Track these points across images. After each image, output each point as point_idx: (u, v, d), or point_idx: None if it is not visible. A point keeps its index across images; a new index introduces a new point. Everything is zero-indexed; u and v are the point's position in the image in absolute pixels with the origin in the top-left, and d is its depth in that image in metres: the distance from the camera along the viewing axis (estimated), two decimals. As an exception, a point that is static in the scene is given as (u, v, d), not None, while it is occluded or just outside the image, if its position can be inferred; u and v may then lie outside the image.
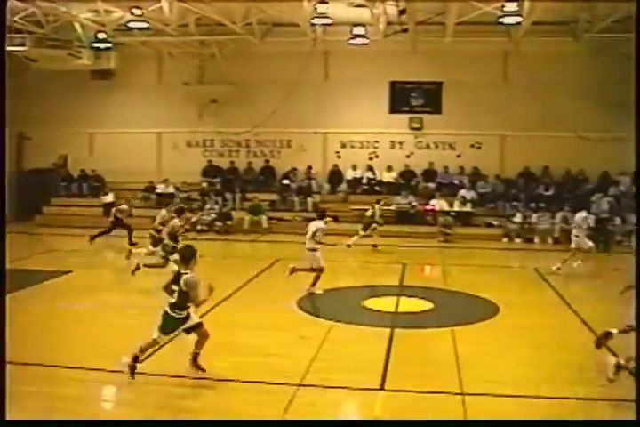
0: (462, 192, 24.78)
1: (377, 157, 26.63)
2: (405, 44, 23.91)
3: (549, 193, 24.95)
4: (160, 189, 26.23)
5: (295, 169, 26.53)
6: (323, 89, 26.10)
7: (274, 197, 25.97)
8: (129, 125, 27.14)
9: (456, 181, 25.76)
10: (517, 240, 23.38)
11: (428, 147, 26.51)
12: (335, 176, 26.55)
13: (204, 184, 26.51)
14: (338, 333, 11.16)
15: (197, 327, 8.83)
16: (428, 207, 24.39)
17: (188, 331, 8.83)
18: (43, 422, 7.01)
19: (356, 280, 16.05)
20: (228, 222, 24.38)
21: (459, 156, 26.36)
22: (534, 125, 24.65)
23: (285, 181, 26.29)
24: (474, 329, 11.78)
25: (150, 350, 8.88)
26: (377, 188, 25.85)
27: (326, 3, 19.60)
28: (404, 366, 9.51)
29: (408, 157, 26.49)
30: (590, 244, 17.73)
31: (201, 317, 9.28)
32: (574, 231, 18.01)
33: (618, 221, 23.25)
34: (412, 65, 25.32)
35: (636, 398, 6.00)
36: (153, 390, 8.43)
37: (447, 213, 23.88)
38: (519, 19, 19.34)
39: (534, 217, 23.60)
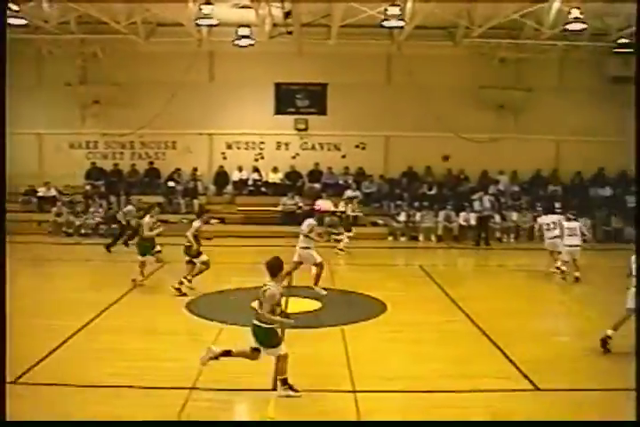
0: (348, 192, 25.08)
1: (263, 158, 26.63)
2: (291, 46, 24.05)
3: (432, 192, 25.63)
4: (41, 192, 25.36)
5: (179, 170, 26.15)
6: (208, 90, 25.88)
7: (159, 199, 25.49)
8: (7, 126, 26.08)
9: (341, 182, 26.07)
10: (402, 239, 23.90)
11: (313, 148, 26.71)
12: (221, 177, 26.38)
13: (88, 187, 25.76)
14: (228, 335, 11.10)
15: None
16: (314, 208, 24.53)
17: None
18: (43, 422, 6.98)
19: (245, 282, 15.99)
20: (114, 226, 23.83)
21: (344, 156, 26.68)
22: (417, 126, 25.23)
23: (171, 183, 25.89)
24: (362, 327, 11.96)
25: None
26: (263, 189, 25.88)
27: (211, 4, 19.45)
28: (295, 366, 9.50)
29: (294, 157, 26.62)
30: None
31: (88, 322, 9.09)
32: (554, 232, 17.46)
33: (497, 218, 24.11)
34: (297, 66, 25.43)
35: (636, 398, 6.09)
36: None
37: (333, 213, 24.09)
38: (401, 23, 19.73)
39: (418, 216, 24.18)
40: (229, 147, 26.72)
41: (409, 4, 19.43)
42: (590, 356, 10.49)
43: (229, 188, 26.16)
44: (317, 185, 25.98)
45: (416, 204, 24.76)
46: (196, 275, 14.41)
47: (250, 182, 26.09)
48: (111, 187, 25.91)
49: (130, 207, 21.40)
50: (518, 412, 8.12)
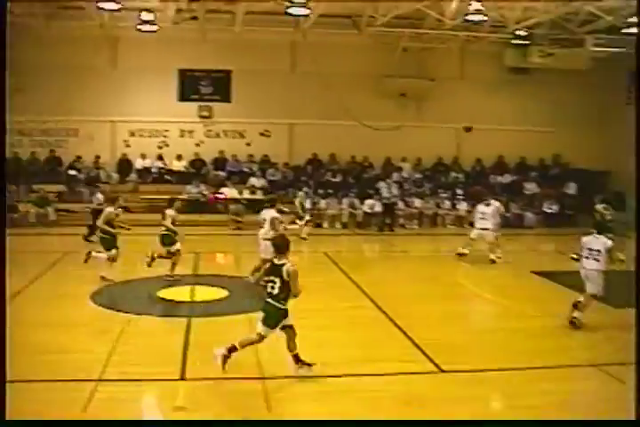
0: (252, 180, 25.06)
1: (167, 145, 26.31)
2: (195, 32, 23.82)
3: (336, 179, 25.84)
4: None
5: (79, 157, 25.47)
6: (111, 76, 25.32)
7: (61, 187, 24.88)
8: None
9: (246, 169, 26.01)
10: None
11: (217, 135, 26.54)
12: (124, 166, 25.89)
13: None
14: (135, 325, 11.00)
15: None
16: (218, 196, 24.45)
17: (283, 327, 8.67)
18: (43, 422, 6.82)
19: (150, 271, 15.81)
20: (15, 215, 23.15)
21: (248, 144, 26.63)
22: (321, 114, 25.39)
23: (72, 172, 25.19)
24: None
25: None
26: (167, 177, 25.58)
27: (112, -13, 19.10)
28: (204, 354, 9.51)
29: (198, 145, 26.40)
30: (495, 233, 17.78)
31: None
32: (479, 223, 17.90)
33: (401, 205, 24.55)
34: (201, 53, 25.15)
35: (635, 398, 6.20)
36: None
37: (238, 200, 24.06)
38: (306, 10, 19.77)
39: (323, 203, 24.36)
40: (132, 134, 26.26)
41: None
42: (493, 337, 10.88)
43: (133, 176, 25.73)
44: (222, 173, 25.84)
45: (321, 191, 24.92)
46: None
47: (154, 170, 25.74)
48: (10, 176, 25.03)
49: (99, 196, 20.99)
50: (423, 393, 8.36)
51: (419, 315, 12.13)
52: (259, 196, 24.66)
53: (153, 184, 25.17)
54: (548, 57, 24.49)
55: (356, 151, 26.58)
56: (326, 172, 26.18)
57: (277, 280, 8.54)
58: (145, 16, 22.42)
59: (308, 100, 25.50)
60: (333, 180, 25.83)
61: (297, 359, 8.87)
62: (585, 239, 11.65)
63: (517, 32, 23.31)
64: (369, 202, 24.02)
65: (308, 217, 22.13)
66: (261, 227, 14.57)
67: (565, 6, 20.15)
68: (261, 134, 26.66)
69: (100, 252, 14.49)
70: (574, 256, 11.93)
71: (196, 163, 26.02)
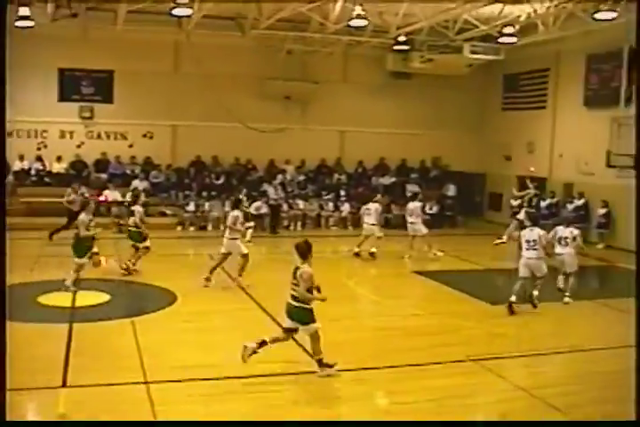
0: (135, 182, 24.69)
1: (46, 146, 25.46)
2: (76, 30, 23.15)
3: (220, 182, 25.76)
4: None
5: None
6: (-16, 73, 24.40)
7: None
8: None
9: (128, 171, 25.59)
10: (191, 228, 23.85)
11: (99, 137, 25.90)
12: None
13: None
14: (13, 332, 10.63)
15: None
16: (100, 198, 23.94)
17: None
18: (43, 422, 6.96)
19: (29, 276, 15.39)
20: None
21: (131, 146, 26.14)
22: (204, 116, 25.23)
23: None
24: (153, 318, 11.94)
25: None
26: (47, 179, 24.81)
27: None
28: (86, 360, 9.40)
29: (79, 146, 25.69)
30: (425, 230, 19.30)
31: None
32: (410, 219, 19.35)
33: (285, 207, 24.73)
34: (82, 52, 24.45)
35: (635, 398, 6.23)
36: None
37: (121, 203, 23.64)
38: (190, 11, 19.61)
39: (207, 205, 24.23)
40: (9, 134, 25.22)
41: (197, -7, 19.37)
42: (375, 336, 11.17)
43: (10, 178, 24.82)
44: (104, 175, 25.31)
45: (204, 193, 24.78)
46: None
47: (33, 172, 24.94)
48: None
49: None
50: (309, 393, 8.53)
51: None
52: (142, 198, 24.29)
53: (32, 187, 24.36)
54: (427, 62, 25.16)
55: (239, 153, 26.55)
56: (209, 174, 26.04)
57: (297, 282, 9.22)
58: (21, 11, 21.65)
59: (191, 101, 25.29)
60: (217, 182, 25.73)
61: (320, 363, 9.32)
62: (523, 232, 13.40)
63: (398, 38, 23.83)
64: (256, 204, 24.05)
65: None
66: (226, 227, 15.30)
67: (444, 14, 20.74)
68: (144, 136, 26.20)
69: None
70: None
71: (77, 165, 25.35)
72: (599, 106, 22.60)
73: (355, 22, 19.75)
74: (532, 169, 25.06)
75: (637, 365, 6.96)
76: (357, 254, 18.84)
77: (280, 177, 26.25)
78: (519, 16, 21.13)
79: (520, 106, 27.23)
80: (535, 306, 13.10)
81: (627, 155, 17.52)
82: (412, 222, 19.38)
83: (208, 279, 14.71)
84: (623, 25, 18.48)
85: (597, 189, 22.09)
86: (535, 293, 13.12)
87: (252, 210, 23.88)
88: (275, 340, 9.33)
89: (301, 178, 26.91)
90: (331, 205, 25.64)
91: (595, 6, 17.93)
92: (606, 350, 10.70)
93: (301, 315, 9.20)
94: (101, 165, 25.60)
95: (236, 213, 15.19)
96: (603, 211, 22.06)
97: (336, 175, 27.42)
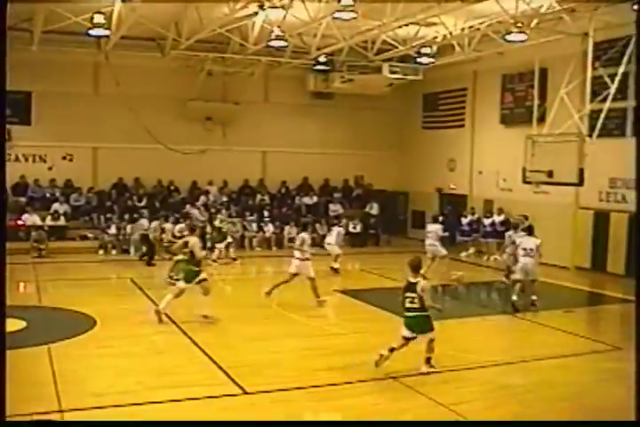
0: (55, 206, 24.21)
1: (-41, 169, 24.80)
2: (-12, 51, 22.70)
3: (142, 204, 25.45)
4: None
5: None
6: None
7: None
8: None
9: (48, 195, 25.09)
10: (114, 252, 23.44)
11: (17, 159, 25.27)
12: None
13: None
14: None
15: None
16: (19, 222, 23.40)
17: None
18: (43, 422, 6.89)
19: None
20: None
21: (50, 168, 25.62)
22: (126, 137, 24.93)
23: None
24: (71, 344, 11.68)
25: None
26: (-39, 203, 24.17)
27: None
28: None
29: (5, 178, 25.11)
30: (444, 251, 19.81)
31: None
32: (429, 241, 19.77)
33: (209, 228, 24.49)
34: (-5, 73, 24.03)
35: (635, 398, 6.21)
36: None
37: (41, 227, 23.13)
38: (107, 32, 19.44)
39: (129, 228, 23.87)
40: None
41: (115, 13, 19.18)
42: (301, 357, 11.13)
43: None
44: (23, 199, 24.73)
45: (126, 216, 24.44)
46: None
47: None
48: None
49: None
50: (229, 417, 8.43)
51: (223, 338, 12.22)
52: (62, 222, 23.87)
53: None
54: (348, 82, 25.46)
55: (162, 175, 26.30)
56: (132, 196, 25.72)
57: (415, 295, 9.96)
58: None
59: (111, 123, 24.99)
60: (139, 204, 25.41)
61: (428, 360, 10.33)
62: (520, 240, 15.75)
63: (319, 58, 24.07)
64: (180, 226, 23.81)
65: (229, 239, 22.38)
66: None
67: (362, 35, 21.04)
68: (64, 158, 25.70)
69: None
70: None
71: (-6, 188, 24.74)
72: (515, 124, 23.19)
73: (274, 43, 19.88)
74: (453, 186, 25.53)
75: (637, 365, 7.04)
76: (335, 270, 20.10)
77: (203, 198, 26.08)
78: (435, 37, 21.61)
79: (440, 124, 27.72)
80: (517, 310, 14.66)
81: (540, 171, 17.94)
82: (431, 244, 19.83)
83: (269, 293, 15.37)
84: (534, 47, 19.14)
85: (516, 205, 22.56)
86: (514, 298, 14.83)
87: (176, 232, 23.65)
88: (400, 346, 10.17)
89: (224, 199, 26.78)
90: (254, 225, 25.55)
91: (506, 29, 18.45)
92: (527, 362, 10.97)
93: (422, 324, 10.08)
94: (20, 188, 24.96)
95: (305, 235, 15.78)
96: (499, 218, 22.83)
97: (259, 196, 27.39)
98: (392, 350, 10.08)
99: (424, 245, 19.98)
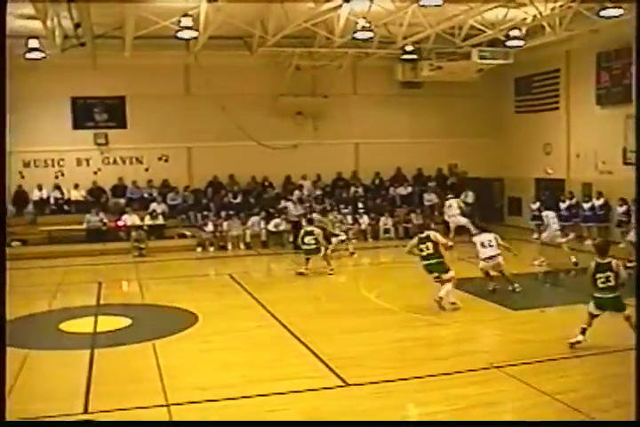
0: (153, 205, 24.78)
1: (63, 175, 25.61)
2: (85, 59, 23.29)
3: (237, 200, 25.79)
4: None
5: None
6: None
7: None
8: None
9: (146, 195, 25.71)
10: (211, 249, 23.84)
11: (115, 162, 26.06)
12: (20, 197, 25.00)
13: None
14: (35, 360, 10.71)
15: None
16: (119, 223, 24.06)
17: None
18: (43, 422, 7.03)
19: (51, 304, 15.47)
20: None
21: (147, 169, 26.27)
22: (218, 136, 25.34)
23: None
24: (174, 340, 11.91)
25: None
26: (66, 207, 24.96)
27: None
28: (107, 386, 9.38)
29: (96, 173, 25.83)
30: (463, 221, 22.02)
31: None
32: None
33: (304, 222, 24.56)
34: (93, 80, 24.65)
35: (635, 396, 6.18)
36: None
37: (140, 227, 23.71)
38: (195, 33, 19.74)
39: (225, 225, 24.24)
40: (27, 165, 25.46)
41: (202, 15, 19.45)
42: (401, 347, 11.04)
43: (30, 207, 24.98)
44: (122, 200, 25.44)
45: (222, 213, 24.82)
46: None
47: (51, 201, 25.09)
48: None
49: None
50: (331, 409, 8.42)
51: (324, 331, 12.22)
52: (160, 221, 24.40)
53: (51, 215, 24.51)
54: (437, 70, 25.14)
55: (255, 171, 26.59)
56: (227, 193, 26.08)
57: (610, 274, 10.31)
58: (31, 43, 21.89)
59: (204, 122, 25.43)
60: (234, 201, 25.75)
61: None
62: None
63: (406, 47, 23.82)
64: (275, 221, 24.07)
65: (342, 236, 22.04)
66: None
67: (448, 21, 20.72)
68: (159, 159, 26.35)
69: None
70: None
71: (95, 191, 25.48)
72: (612, 104, 22.43)
73: (360, 35, 19.81)
74: (550, 171, 24.88)
75: (637, 365, 6.92)
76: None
77: (297, 193, 26.22)
78: (524, 19, 21.08)
79: (533, 108, 27.08)
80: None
81: (643, 151, 17.36)
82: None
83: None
84: (630, 21, 18.36)
85: (616, 188, 21.84)
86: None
87: (271, 227, 23.92)
88: (588, 325, 10.59)
89: (318, 193, 26.86)
90: (349, 218, 25.53)
91: (600, 4, 17.83)
92: (629, 351, 10.55)
93: (619, 303, 10.37)
94: (119, 190, 25.75)
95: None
96: (622, 209, 21.74)
97: (353, 188, 27.35)
98: (584, 331, 10.55)
99: (527, 232, 19.79)
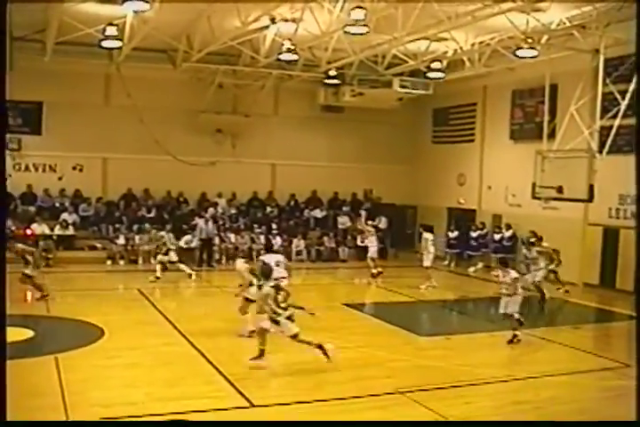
0: (64, 215, 24.27)
1: (-31, 178, 24.84)
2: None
3: (151, 215, 25.49)
4: None
5: None
6: None
7: None
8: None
9: (57, 204, 25.15)
10: (122, 262, 23.49)
11: (27, 169, 25.38)
12: None
13: None
14: None
15: None
16: (27, 231, 23.45)
17: None
18: (43, 422, 6.90)
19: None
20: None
21: (60, 178, 25.67)
22: (136, 148, 25.02)
23: None
24: (78, 355, 11.66)
25: None
26: (-30, 212, 24.17)
27: None
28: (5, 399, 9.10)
29: (5, 179, 25.15)
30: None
31: None
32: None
33: (217, 240, 24.53)
34: (9, 83, 23.94)
35: (636, 398, 6.23)
36: None
37: (49, 236, 23.18)
38: (119, 43, 19.54)
39: (137, 239, 23.93)
40: None
41: (127, 25, 19.28)
42: (306, 370, 11.07)
43: None
44: (32, 208, 24.80)
45: (135, 226, 24.50)
46: None
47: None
48: None
49: None
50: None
51: (231, 350, 12.18)
52: (70, 232, 23.91)
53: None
54: (358, 96, 25.49)
55: (171, 186, 26.36)
56: (140, 207, 25.76)
57: None
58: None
59: (122, 133, 25.10)
60: (148, 215, 25.44)
61: None
62: None
63: (329, 72, 24.13)
64: (187, 238, 23.85)
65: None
66: None
67: (372, 49, 21.10)
68: (74, 168, 25.77)
69: None
70: None
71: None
72: (524, 139, 23.22)
73: (285, 56, 19.98)
74: (462, 201, 25.49)
75: (637, 365, 7.05)
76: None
77: (211, 210, 26.07)
78: (446, 52, 21.67)
79: (450, 139, 27.73)
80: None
81: (550, 187, 17.95)
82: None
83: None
84: (544, 62, 19.13)
85: (525, 220, 22.51)
86: None
87: (182, 243, 23.66)
88: None
89: (233, 211, 26.80)
90: (262, 238, 25.53)
91: (516, 44, 18.47)
92: (537, 378, 10.88)
93: None
94: (27, 197, 25.03)
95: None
96: (532, 240, 22.22)
97: (268, 208, 27.40)
98: None
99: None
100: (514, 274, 13.45)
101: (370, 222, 22.85)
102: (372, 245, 21.80)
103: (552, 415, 9.20)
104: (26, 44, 22.01)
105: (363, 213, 23.76)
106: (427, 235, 20.06)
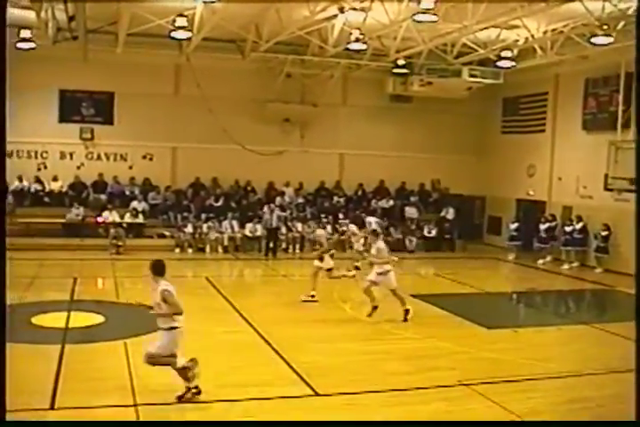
0: (134, 203, 24.69)
1: (45, 167, 25.46)
2: (76, 52, 23.17)
3: (219, 204, 25.75)
4: None
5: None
6: (-16, 94, 24.42)
7: None
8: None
9: (127, 193, 25.60)
10: (189, 250, 23.80)
11: (99, 158, 25.92)
12: (-1, 187, 24.81)
13: None
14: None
15: None
16: (99, 219, 23.95)
17: None
18: (43, 422, 7.03)
19: (24, 297, 15.33)
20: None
21: (130, 167, 26.15)
22: (204, 138, 25.31)
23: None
24: (146, 340, 11.78)
25: None
26: (46, 199, 24.75)
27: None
28: (75, 383, 9.31)
29: (79, 167, 25.68)
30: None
31: None
32: None
33: (284, 229, 24.66)
34: (83, 74, 24.56)
35: (635, 398, 6.20)
36: None
37: (119, 224, 23.62)
38: (189, 34, 19.76)
39: (205, 227, 24.21)
40: (9, 155, 25.12)
41: (197, 16, 19.48)
42: (371, 360, 11.06)
43: (9, 198, 24.71)
44: (103, 196, 25.31)
45: (203, 215, 24.78)
46: None
47: (32, 191, 24.86)
48: None
49: None
50: (299, 418, 8.40)
51: (296, 339, 12.24)
52: (140, 220, 24.32)
53: (30, 207, 24.28)
54: (427, 86, 25.26)
55: (239, 175, 26.58)
56: (208, 196, 26.03)
57: None
58: (23, 33, 21.78)
59: (191, 123, 25.40)
60: (215, 204, 25.71)
61: None
62: None
63: (398, 61, 23.96)
64: (249, 226, 24.04)
65: None
66: None
67: (442, 38, 20.86)
68: (144, 157, 26.24)
69: None
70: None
71: (77, 185, 25.32)
72: (597, 130, 22.66)
73: (353, 46, 19.89)
74: (532, 192, 25.08)
75: (637, 366, 6.93)
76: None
77: (279, 199, 26.21)
78: (517, 40, 21.29)
79: (519, 129, 27.27)
80: None
81: (624, 178, 17.55)
82: None
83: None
84: (619, 50, 18.60)
85: (596, 213, 22.05)
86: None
87: (246, 232, 23.86)
88: None
89: (300, 200, 26.88)
90: (329, 227, 25.50)
91: (591, 31, 18.04)
92: (603, 374, 10.62)
93: None
94: (99, 185, 25.55)
95: (381, 244, 14.41)
96: (604, 233, 21.75)
97: (335, 198, 27.39)
98: None
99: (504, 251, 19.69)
100: None
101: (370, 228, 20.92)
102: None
103: (613, 414, 8.96)
104: (98, 37, 22.40)
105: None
106: (370, 218, 19.93)
